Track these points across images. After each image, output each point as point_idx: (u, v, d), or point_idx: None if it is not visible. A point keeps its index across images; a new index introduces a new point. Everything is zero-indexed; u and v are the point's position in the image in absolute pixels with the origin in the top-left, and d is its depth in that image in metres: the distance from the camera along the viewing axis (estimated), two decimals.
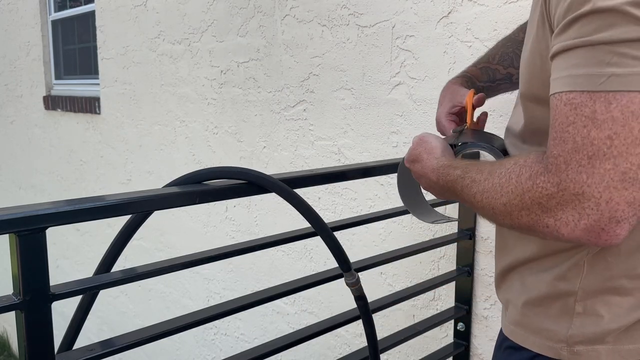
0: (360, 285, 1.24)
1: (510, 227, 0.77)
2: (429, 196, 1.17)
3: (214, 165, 1.33)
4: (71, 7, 4.17)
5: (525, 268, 0.91)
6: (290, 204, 1.14)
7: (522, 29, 1.23)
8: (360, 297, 1.24)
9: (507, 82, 1.23)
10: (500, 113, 1.64)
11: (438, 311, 1.82)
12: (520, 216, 0.72)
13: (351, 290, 1.24)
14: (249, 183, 1.11)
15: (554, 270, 0.85)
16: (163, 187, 1.08)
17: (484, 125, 1.16)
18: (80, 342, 1.08)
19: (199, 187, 1.07)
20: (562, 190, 0.66)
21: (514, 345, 0.92)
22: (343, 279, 1.25)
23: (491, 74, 1.22)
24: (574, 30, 0.66)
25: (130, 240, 1.17)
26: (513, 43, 1.23)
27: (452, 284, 1.77)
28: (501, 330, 0.99)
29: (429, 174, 0.94)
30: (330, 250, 1.20)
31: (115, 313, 3.66)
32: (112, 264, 1.13)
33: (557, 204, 0.67)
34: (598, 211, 0.64)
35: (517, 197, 0.71)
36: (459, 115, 1.14)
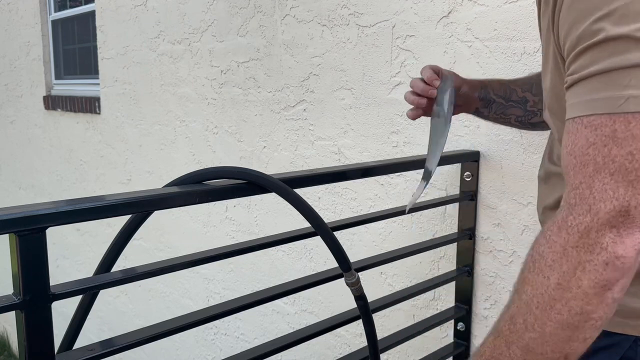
0: (360, 285, 1.24)
1: (578, 306, 0.66)
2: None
3: (214, 165, 1.33)
4: (71, 7, 4.17)
5: None
6: (290, 203, 1.14)
7: None
8: (360, 297, 1.24)
9: (520, 107, 1.24)
10: None
11: (438, 311, 1.82)
12: (578, 278, 0.65)
13: (351, 290, 1.24)
14: (249, 183, 1.11)
15: None
16: (163, 187, 1.08)
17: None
18: (80, 342, 1.08)
19: (199, 187, 1.07)
20: (596, 215, 0.64)
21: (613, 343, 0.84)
22: (343, 279, 1.25)
23: (508, 92, 1.23)
24: (587, 59, 0.67)
25: (130, 240, 1.17)
26: (538, 76, 1.24)
27: (452, 284, 1.77)
28: None
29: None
30: (330, 250, 1.20)
31: (115, 313, 3.66)
32: (112, 264, 1.13)
33: (598, 235, 0.63)
34: (634, 219, 0.63)
35: (559, 258, 0.66)
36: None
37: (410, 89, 1.19)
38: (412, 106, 1.19)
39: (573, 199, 0.66)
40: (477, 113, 1.30)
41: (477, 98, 1.26)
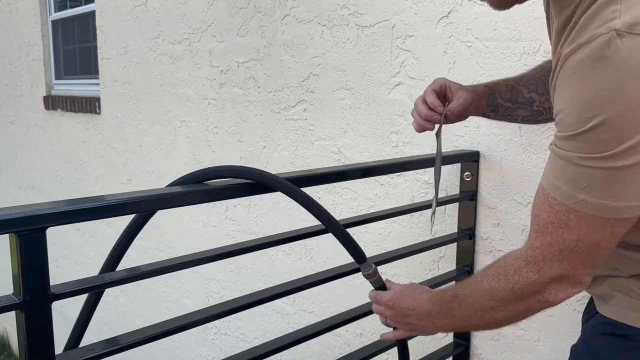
0: (379, 275, 1.21)
1: (510, 320, 0.96)
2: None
3: (214, 165, 1.33)
4: (71, 7, 4.17)
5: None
6: (297, 201, 1.12)
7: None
8: (381, 287, 1.20)
9: (527, 108, 1.26)
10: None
11: None
12: (517, 306, 0.92)
13: (370, 282, 1.20)
14: (255, 183, 1.10)
15: None
16: (165, 186, 1.08)
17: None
18: (80, 342, 1.08)
19: (199, 187, 1.07)
20: (542, 276, 0.87)
21: (626, 334, 0.91)
22: (360, 272, 1.22)
23: (515, 95, 1.25)
24: (563, 142, 0.79)
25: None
26: (542, 70, 1.25)
27: (452, 284, 1.77)
28: (588, 322, 1.03)
29: (424, 309, 1.06)
30: (343, 245, 1.17)
31: (115, 313, 3.66)
32: (117, 263, 1.13)
33: (540, 287, 0.88)
34: (570, 283, 0.87)
35: (509, 291, 0.91)
36: (442, 95, 1.22)
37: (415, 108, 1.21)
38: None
39: (531, 257, 0.88)
40: (484, 115, 1.31)
41: (485, 105, 1.27)
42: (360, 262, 1.19)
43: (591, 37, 0.72)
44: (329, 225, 1.17)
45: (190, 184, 1.09)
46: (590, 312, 1.07)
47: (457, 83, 1.24)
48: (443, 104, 1.18)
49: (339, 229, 1.17)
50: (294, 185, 1.13)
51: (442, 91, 1.20)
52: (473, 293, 0.96)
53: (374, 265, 1.20)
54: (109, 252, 1.13)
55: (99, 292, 1.17)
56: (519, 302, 0.91)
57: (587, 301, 1.14)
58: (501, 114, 1.29)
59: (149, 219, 1.14)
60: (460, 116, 1.25)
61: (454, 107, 1.19)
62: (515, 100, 1.26)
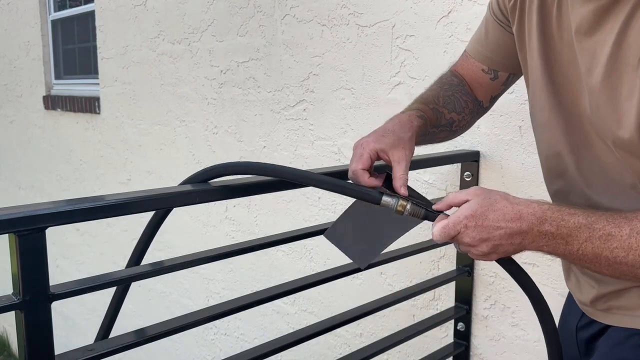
0: (413, 204, 0.94)
1: None
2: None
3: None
4: (71, 6, 4.17)
5: None
6: (312, 185, 1.01)
7: (454, 74, 1.21)
8: (427, 211, 0.94)
9: (447, 130, 1.15)
10: (500, 113, 1.64)
11: (438, 311, 1.82)
12: None
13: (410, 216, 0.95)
14: (274, 178, 1.08)
15: None
16: (179, 184, 1.08)
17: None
18: (80, 342, 1.08)
19: (198, 187, 1.07)
20: None
21: None
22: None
23: (438, 118, 1.11)
24: None
25: (130, 240, 1.18)
26: (450, 87, 1.16)
27: (452, 284, 1.77)
28: (612, 330, 0.96)
29: (525, 216, 0.81)
30: (354, 196, 1.00)
31: None
32: (141, 258, 1.15)
33: None
34: None
35: None
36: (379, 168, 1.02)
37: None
38: None
39: None
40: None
41: (420, 140, 1.08)
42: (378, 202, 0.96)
43: None
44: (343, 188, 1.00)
45: (198, 182, 1.09)
46: (590, 328, 1.01)
47: (387, 138, 0.98)
48: (384, 173, 0.98)
49: (354, 189, 0.98)
50: (308, 171, 1.05)
51: (373, 160, 0.98)
52: (624, 239, 0.77)
53: (397, 199, 0.94)
54: (134, 247, 1.15)
55: (125, 286, 1.21)
56: None
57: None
58: (424, 142, 1.13)
59: (167, 215, 1.17)
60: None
61: (401, 175, 0.96)
62: (439, 124, 1.12)
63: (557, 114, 0.94)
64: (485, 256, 0.85)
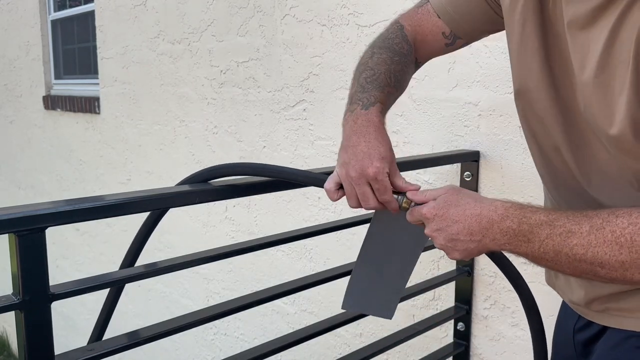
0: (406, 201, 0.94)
1: (612, 281, 0.77)
2: None
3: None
4: (71, 6, 4.17)
5: None
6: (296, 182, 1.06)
7: (405, 36, 1.11)
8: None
9: (407, 68, 1.10)
10: (500, 113, 1.64)
11: (438, 311, 1.82)
12: (635, 274, 0.74)
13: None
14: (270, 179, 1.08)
15: None
16: (177, 184, 1.08)
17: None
18: (80, 342, 1.08)
19: (198, 187, 1.07)
20: None
21: None
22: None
23: (391, 102, 1.08)
24: None
25: (130, 240, 1.18)
26: (400, 59, 1.10)
27: (452, 284, 1.77)
28: (610, 332, 0.94)
29: (486, 213, 0.81)
30: None
31: (115, 313, 3.66)
32: (136, 258, 1.15)
33: None
34: None
35: None
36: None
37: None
38: None
39: None
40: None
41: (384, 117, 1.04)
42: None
43: None
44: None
45: (197, 182, 1.09)
46: (587, 330, 1.00)
47: (381, 154, 0.93)
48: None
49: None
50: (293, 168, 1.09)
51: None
52: (583, 236, 0.75)
53: (403, 196, 0.93)
54: (128, 248, 1.14)
55: (118, 288, 1.20)
56: None
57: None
58: (395, 98, 1.09)
59: (162, 216, 1.16)
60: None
61: (411, 189, 0.94)
62: (391, 104, 1.07)
63: (556, 107, 0.91)
64: (446, 250, 0.87)
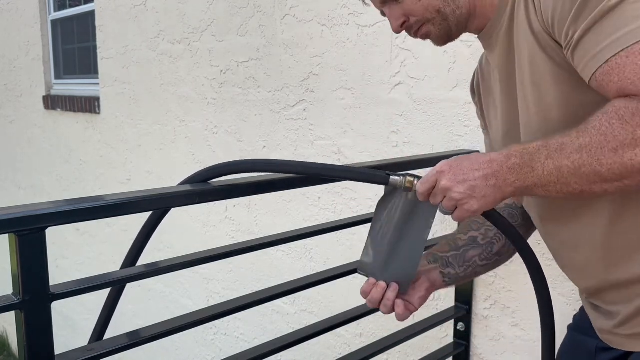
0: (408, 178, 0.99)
1: (617, 175, 0.78)
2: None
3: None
4: (71, 6, 4.17)
5: None
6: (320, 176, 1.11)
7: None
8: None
9: (474, 247, 1.15)
10: None
11: (438, 311, 1.82)
12: (635, 155, 0.76)
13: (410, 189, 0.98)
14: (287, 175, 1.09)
15: None
16: (179, 184, 1.09)
17: None
18: (80, 342, 1.08)
19: (198, 187, 1.07)
20: None
21: None
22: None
23: (453, 243, 1.15)
24: (589, 9, 0.77)
25: (130, 240, 1.18)
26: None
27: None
28: (636, 355, 0.96)
29: (495, 157, 0.87)
30: (363, 179, 1.09)
31: (115, 313, 3.66)
32: (137, 259, 1.15)
33: None
34: None
35: (629, 135, 0.75)
36: None
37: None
38: None
39: None
40: (446, 280, 1.15)
41: (436, 273, 1.14)
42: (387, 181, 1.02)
43: None
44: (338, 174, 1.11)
45: (199, 182, 1.09)
46: (612, 351, 1.01)
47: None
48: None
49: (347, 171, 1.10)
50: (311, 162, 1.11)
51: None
52: (575, 142, 0.79)
53: (404, 177, 0.98)
54: (129, 248, 1.14)
55: (120, 287, 1.21)
56: (638, 150, 0.76)
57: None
58: (458, 265, 1.15)
59: (164, 215, 1.16)
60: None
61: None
62: (458, 246, 1.15)
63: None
64: (463, 202, 0.88)
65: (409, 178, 0.97)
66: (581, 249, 0.98)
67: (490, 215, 0.98)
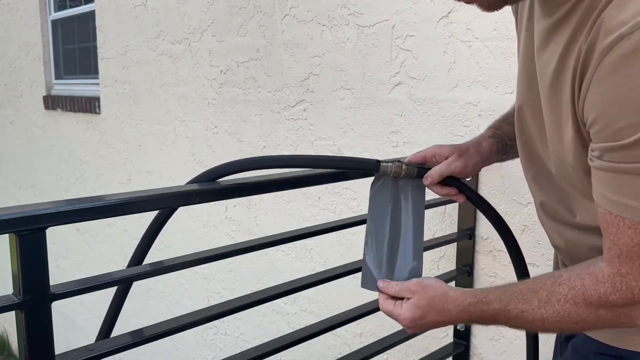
0: (404, 164, 1.13)
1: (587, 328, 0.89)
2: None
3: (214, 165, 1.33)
4: (71, 6, 4.17)
5: None
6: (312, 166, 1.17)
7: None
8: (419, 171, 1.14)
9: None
10: (500, 113, 1.64)
11: None
12: (595, 327, 0.85)
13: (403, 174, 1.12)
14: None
15: None
16: (186, 183, 1.09)
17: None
18: (80, 342, 1.08)
19: (199, 187, 1.07)
20: (636, 302, 0.78)
21: (623, 355, 0.91)
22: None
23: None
24: (623, 154, 0.71)
25: (130, 240, 1.18)
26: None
27: (452, 284, 1.76)
28: (578, 343, 0.99)
29: (451, 319, 0.96)
30: (354, 167, 1.20)
31: None
32: (143, 258, 1.16)
33: (629, 309, 0.79)
34: None
35: (591, 317, 0.81)
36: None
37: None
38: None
39: (619, 284, 0.78)
40: (497, 160, 1.26)
41: (496, 159, 1.24)
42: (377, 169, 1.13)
43: (636, 24, 0.64)
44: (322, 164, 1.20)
45: (206, 182, 1.10)
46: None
47: (454, 146, 1.19)
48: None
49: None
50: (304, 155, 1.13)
51: (430, 161, 1.17)
52: (536, 312, 0.84)
53: (393, 163, 1.11)
54: (135, 247, 1.15)
55: (126, 285, 1.22)
56: (598, 324, 0.82)
57: None
58: (508, 157, 1.25)
59: (171, 215, 1.17)
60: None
61: (434, 174, 1.15)
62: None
63: (534, 124, 0.96)
64: (411, 330, 1.02)
65: (397, 164, 1.09)
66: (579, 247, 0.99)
67: (469, 197, 1.14)
